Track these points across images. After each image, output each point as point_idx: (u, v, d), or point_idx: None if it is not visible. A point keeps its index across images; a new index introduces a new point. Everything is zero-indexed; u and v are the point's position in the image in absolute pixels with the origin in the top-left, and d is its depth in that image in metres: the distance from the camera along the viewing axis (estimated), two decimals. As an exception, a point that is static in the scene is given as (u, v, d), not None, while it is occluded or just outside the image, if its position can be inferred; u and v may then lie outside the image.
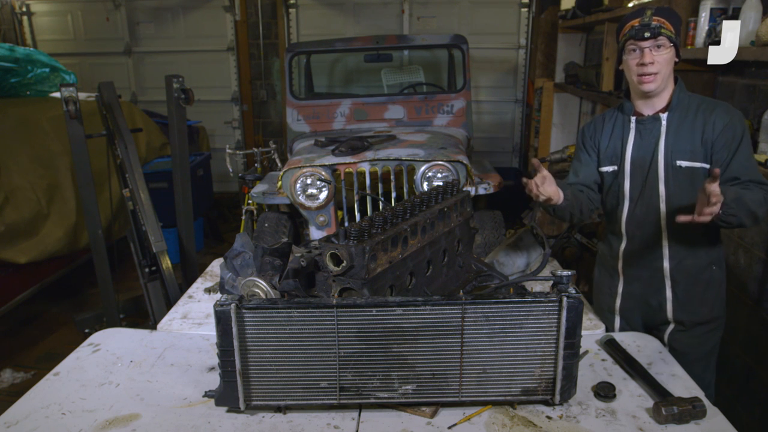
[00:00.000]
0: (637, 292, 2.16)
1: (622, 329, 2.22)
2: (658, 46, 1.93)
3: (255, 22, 6.92)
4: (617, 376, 1.74)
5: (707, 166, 1.95)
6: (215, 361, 1.67)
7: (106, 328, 2.17)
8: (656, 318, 2.15)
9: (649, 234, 2.07)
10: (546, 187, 1.95)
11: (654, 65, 1.93)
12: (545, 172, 1.97)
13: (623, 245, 2.15)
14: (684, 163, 1.97)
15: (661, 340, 2.08)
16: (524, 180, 2.00)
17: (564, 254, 3.77)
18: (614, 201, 2.14)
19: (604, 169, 2.14)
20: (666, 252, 2.06)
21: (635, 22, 1.93)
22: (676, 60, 1.99)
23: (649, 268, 2.11)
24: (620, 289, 2.20)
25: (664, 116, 2.01)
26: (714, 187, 1.68)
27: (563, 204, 2.02)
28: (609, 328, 2.19)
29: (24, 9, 7.13)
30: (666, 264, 2.07)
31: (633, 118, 2.06)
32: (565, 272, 1.54)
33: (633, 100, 2.09)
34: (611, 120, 2.14)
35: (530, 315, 1.50)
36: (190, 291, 2.48)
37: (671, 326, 2.13)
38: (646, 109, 2.05)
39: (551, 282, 1.57)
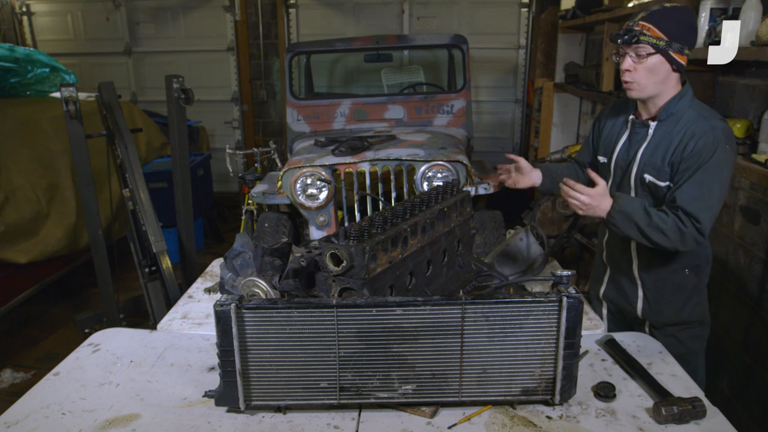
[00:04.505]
0: (618, 283, 2.20)
1: (609, 319, 2.27)
2: (638, 54, 1.83)
3: (255, 22, 6.92)
4: (617, 376, 1.74)
5: (671, 185, 1.89)
6: (215, 361, 1.67)
7: (106, 328, 2.17)
8: (632, 313, 2.17)
9: None
10: (521, 182, 2.23)
11: (631, 73, 1.86)
12: (521, 163, 2.21)
13: (606, 236, 2.22)
14: (649, 178, 1.93)
15: None
16: (501, 178, 2.27)
17: (564, 254, 3.77)
18: None
19: (600, 158, 2.18)
20: (634, 253, 2.09)
21: (626, 24, 1.88)
22: (675, 68, 1.86)
23: (624, 265, 2.15)
24: (606, 278, 2.26)
25: (653, 125, 1.94)
26: (566, 188, 1.86)
27: (540, 187, 2.26)
28: (598, 315, 2.24)
29: (24, 9, 7.13)
30: (634, 264, 2.10)
31: (631, 118, 2.03)
32: (565, 272, 1.55)
33: None
34: (623, 108, 2.11)
35: (530, 315, 1.50)
36: (190, 291, 2.48)
37: (647, 323, 2.15)
38: (643, 111, 2.00)
39: (551, 282, 1.58)
